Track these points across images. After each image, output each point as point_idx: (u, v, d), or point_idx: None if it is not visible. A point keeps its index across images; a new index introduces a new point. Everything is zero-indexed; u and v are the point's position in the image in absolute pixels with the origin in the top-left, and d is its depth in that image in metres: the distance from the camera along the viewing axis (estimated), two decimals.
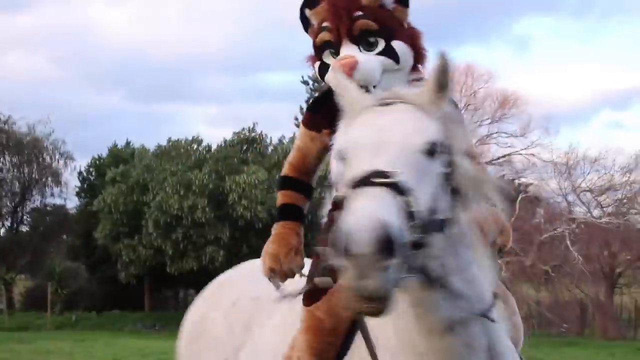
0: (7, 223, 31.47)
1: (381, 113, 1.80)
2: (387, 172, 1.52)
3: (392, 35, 2.34)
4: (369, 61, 2.30)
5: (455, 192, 1.76)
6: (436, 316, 1.82)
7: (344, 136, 1.82)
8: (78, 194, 31.35)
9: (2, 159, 29.99)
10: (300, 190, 2.60)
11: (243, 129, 27.63)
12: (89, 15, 53.50)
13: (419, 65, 2.47)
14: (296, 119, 27.45)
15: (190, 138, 27.32)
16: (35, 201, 31.94)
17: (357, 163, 1.64)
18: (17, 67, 50.68)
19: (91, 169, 31.04)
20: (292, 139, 22.98)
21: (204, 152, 26.73)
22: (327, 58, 2.44)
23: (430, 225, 1.59)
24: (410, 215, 1.48)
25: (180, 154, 25.66)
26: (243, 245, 23.33)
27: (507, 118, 27.28)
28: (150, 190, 24.31)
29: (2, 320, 24.73)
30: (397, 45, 2.33)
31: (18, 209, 31.64)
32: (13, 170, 30.55)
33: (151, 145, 28.75)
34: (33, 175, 30.72)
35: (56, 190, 31.07)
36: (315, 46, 2.49)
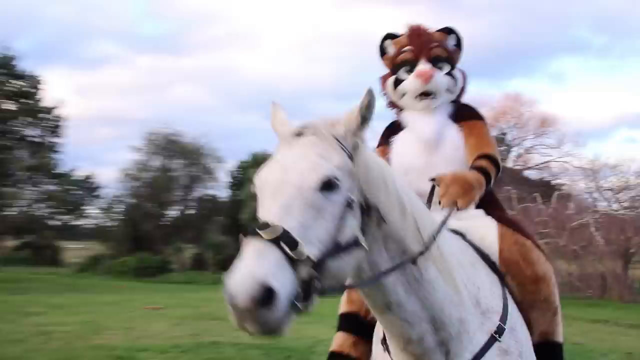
0: (179, 208, 37.68)
1: (290, 147, 1.76)
2: (273, 226, 1.53)
3: (454, 65, 2.74)
4: (441, 76, 2.71)
5: (369, 210, 1.77)
6: (373, 299, 1.93)
7: (260, 173, 1.78)
8: (228, 187, 36.99)
9: (175, 161, 35.78)
10: None
11: None
12: (233, 57, 79.05)
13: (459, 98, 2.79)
14: None
15: None
16: (198, 192, 37.29)
17: (260, 207, 1.68)
18: (184, 96, 71.37)
19: (238, 169, 35.78)
20: None
21: None
22: (402, 74, 2.79)
23: (330, 255, 1.61)
24: (298, 261, 1.52)
25: None
26: None
27: (547, 134, 34.12)
28: None
29: (176, 277, 28.51)
30: (457, 72, 2.76)
31: (186, 198, 37.31)
32: (182, 170, 36.27)
33: None
34: (196, 173, 36.18)
35: (212, 184, 37.00)
36: (394, 64, 2.84)
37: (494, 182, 2.58)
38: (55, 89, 78.68)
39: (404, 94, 2.83)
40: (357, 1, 78.71)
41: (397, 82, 2.84)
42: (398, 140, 2.76)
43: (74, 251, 36.62)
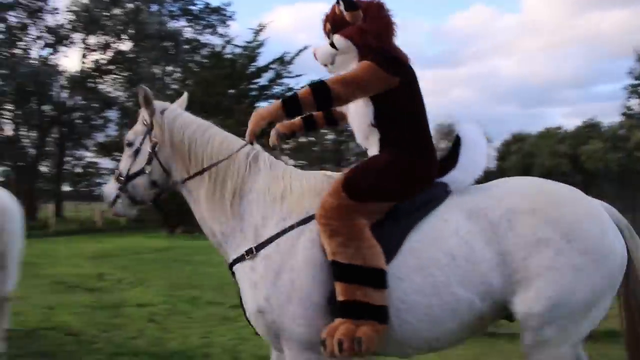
0: None
1: None
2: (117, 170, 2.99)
3: (337, 32, 2.79)
4: (320, 48, 2.88)
5: (151, 157, 2.89)
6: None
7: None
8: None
9: None
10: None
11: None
12: (494, 63, 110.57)
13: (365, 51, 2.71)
14: None
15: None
16: None
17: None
18: (459, 96, 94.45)
19: (501, 147, 46.57)
20: None
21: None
22: None
23: (128, 179, 2.91)
24: (119, 183, 2.92)
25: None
26: None
27: None
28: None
29: None
30: (336, 37, 2.78)
31: None
32: None
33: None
34: None
35: None
36: None
37: (315, 106, 2.71)
38: None
39: None
40: (589, 7, 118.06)
41: None
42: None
43: None
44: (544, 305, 2.41)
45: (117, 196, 2.95)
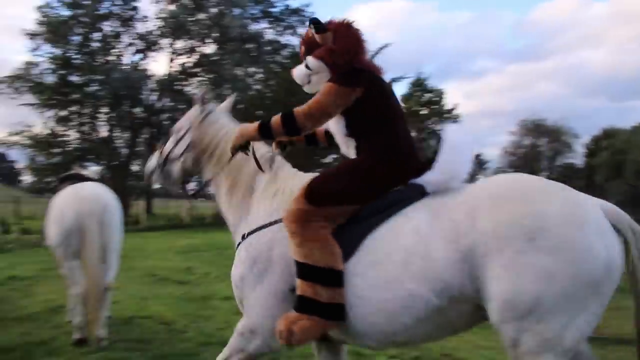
0: (546, 174, 49.43)
1: None
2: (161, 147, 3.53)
3: (310, 54, 3.01)
4: (296, 70, 3.12)
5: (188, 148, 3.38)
6: None
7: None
8: (584, 156, 50.22)
9: (541, 139, 52.53)
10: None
11: None
12: (581, 55, 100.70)
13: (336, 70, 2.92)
14: None
15: None
16: (559, 161, 52.91)
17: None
18: (544, 90, 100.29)
19: (591, 142, 49.17)
20: None
21: None
22: None
23: (168, 159, 3.44)
24: (161, 159, 3.46)
25: None
26: None
27: None
28: None
29: None
30: (309, 59, 3.00)
31: (550, 166, 52.76)
32: (547, 145, 52.88)
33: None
34: (558, 147, 52.30)
35: (571, 155, 51.97)
36: None
37: (284, 133, 2.94)
38: (451, 96, 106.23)
39: None
40: None
41: None
42: None
43: None
44: (502, 306, 2.35)
45: (154, 170, 3.55)
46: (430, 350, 5.12)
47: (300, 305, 2.69)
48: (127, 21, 35.73)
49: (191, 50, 37.59)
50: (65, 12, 34.11)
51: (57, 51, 34.17)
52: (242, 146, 3.01)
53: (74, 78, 34.62)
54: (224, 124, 3.40)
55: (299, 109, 2.88)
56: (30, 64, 34.08)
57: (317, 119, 2.90)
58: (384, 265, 2.60)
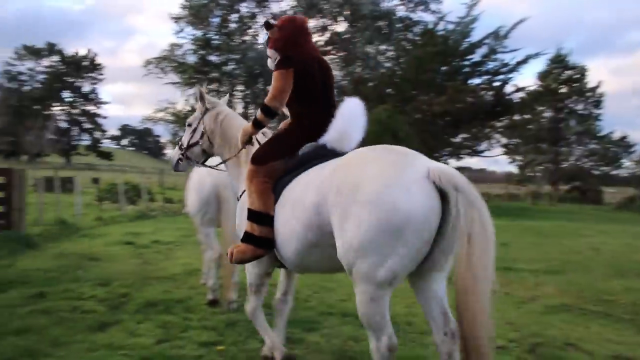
0: None
1: None
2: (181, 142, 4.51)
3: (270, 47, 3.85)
4: (268, 61, 3.89)
5: (203, 134, 4.34)
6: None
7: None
8: None
9: None
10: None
11: None
12: None
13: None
14: None
15: None
16: None
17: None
18: None
19: None
20: None
21: None
22: None
23: (187, 147, 4.41)
24: (180, 150, 4.46)
25: None
26: None
27: None
28: None
29: None
30: (268, 50, 3.88)
31: None
32: None
33: None
34: None
35: None
36: None
37: (268, 118, 3.74)
38: (595, 73, 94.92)
39: None
40: None
41: None
42: None
43: (612, 194, 46.05)
44: (339, 245, 3.00)
45: (180, 159, 4.52)
46: (554, 338, 4.92)
47: (244, 237, 3.66)
48: (262, 2, 36.97)
49: (323, 29, 38.14)
50: None
51: (199, 33, 36.31)
52: (248, 140, 3.92)
53: (213, 58, 36.64)
54: (229, 116, 4.40)
55: (266, 99, 3.69)
56: (174, 46, 36.57)
57: (280, 99, 3.66)
58: (285, 208, 3.43)
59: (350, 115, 3.66)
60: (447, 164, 34.48)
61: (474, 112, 29.03)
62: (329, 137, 3.61)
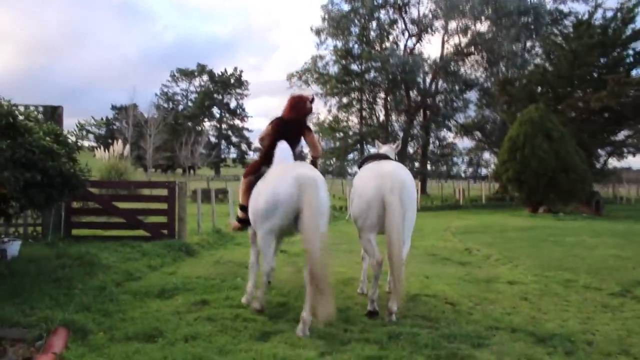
0: None
1: None
2: None
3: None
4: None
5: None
6: None
7: None
8: None
9: None
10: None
11: None
12: None
13: None
14: None
15: None
16: None
17: None
18: None
19: None
20: None
21: None
22: None
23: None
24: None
25: None
26: None
27: None
28: None
29: None
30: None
31: None
32: None
33: None
34: None
35: None
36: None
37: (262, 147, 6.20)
38: None
39: None
40: None
41: None
42: None
43: None
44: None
45: None
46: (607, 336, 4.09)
47: (236, 219, 6.31)
48: (402, 7, 36.72)
49: (465, 30, 37.05)
50: (345, 7, 36.43)
51: (339, 43, 36.94)
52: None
53: (354, 67, 37.07)
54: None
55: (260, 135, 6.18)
56: (316, 58, 37.50)
57: (262, 141, 6.10)
58: (254, 197, 5.44)
59: (282, 152, 5.67)
60: (607, 164, 31.85)
61: (639, 106, 26.35)
62: (275, 162, 5.67)
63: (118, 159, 17.53)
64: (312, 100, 6.01)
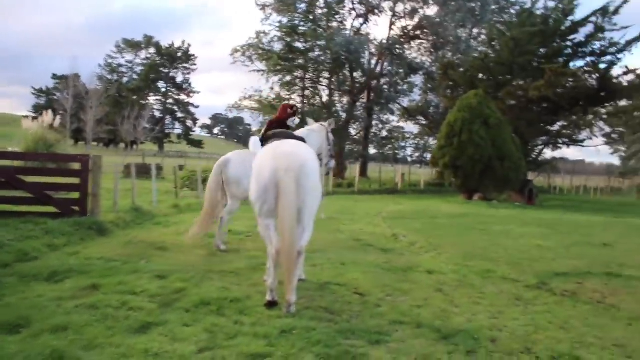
0: None
1: None
2: None
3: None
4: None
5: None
6: None
7: None
8: None
9: None
10: None
11: None
12: None
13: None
14: None
15: None
16: None
17: None
18: None
19: None
20: None
21: None
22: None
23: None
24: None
25: None
26: None
27: None
28: None
29: None
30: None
31: None
32: None
33: None
34: None
35: None
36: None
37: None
38: None
39: None
40: None
41: None
42: None
43: None
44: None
45: None
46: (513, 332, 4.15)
47: None
48: None
49: (412, 13, 36.92)
50: None
51: (284, 20, 36.18)
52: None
53: (299, 45, 36.43)
54: None
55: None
56: (260, 33, 36.64)
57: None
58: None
59: (255, 143, 7.56)
60: (542, 154, 32.58)
61: (574, 98, 26.93)
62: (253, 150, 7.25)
63: (47, 130, 16.48)
64: (292, 107, 7.00)
